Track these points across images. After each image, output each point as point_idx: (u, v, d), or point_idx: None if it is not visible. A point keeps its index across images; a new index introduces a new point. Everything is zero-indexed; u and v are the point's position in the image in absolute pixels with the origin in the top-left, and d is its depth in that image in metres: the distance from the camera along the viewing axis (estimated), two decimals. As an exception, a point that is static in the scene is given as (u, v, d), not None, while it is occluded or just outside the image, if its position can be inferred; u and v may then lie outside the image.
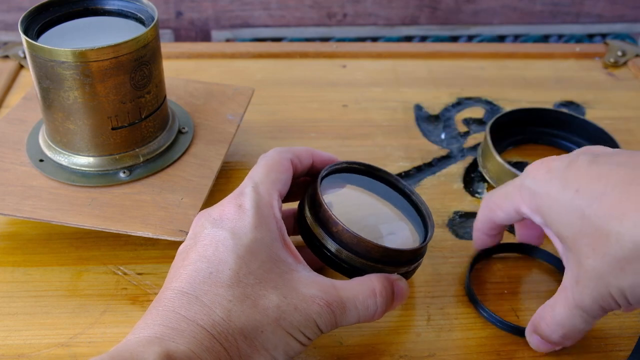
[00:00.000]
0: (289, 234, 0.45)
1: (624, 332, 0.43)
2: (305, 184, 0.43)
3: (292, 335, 0.34)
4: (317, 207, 0.39)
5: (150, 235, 0.43)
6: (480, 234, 0.45)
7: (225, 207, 0.37)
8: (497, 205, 0.41)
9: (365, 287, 0.37)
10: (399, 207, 0.44)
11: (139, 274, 0.45)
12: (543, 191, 0.37)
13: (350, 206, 0.42)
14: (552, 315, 0.38)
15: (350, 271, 0.38)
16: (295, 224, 0.43)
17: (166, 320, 0.33)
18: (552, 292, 0.45)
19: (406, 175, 0.56)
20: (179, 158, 0.49)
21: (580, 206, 0.34)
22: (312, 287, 0.35)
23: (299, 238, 0.45)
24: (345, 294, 0.36)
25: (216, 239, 0.36)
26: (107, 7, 0.48)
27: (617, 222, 0.32)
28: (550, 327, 0.38)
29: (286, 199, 0.43)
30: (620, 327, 0.43)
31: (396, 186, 0.44)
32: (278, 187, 0.39)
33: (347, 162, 0.43)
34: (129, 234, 0.43)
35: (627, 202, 0.32)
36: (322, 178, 0.41)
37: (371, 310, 0.37)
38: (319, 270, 0.38)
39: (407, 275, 0.40)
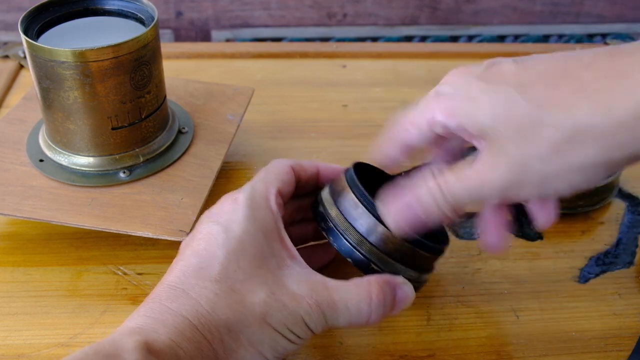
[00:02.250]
0: (308, 241, 0.44)
1: (624, 332, 0.43)
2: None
3: (279, 332, 0.34)
4: (339, 191, 0.39)
5: (150, 235, 0.43)
6: (387, 159, 0.40)
7: (222, 202, 0.38)
8: (410, 123, 0.37)
9: (360, 290, 0.36)
10: None
11: (139, 274, 0.45)
12: (462, 92, 0.34)
13: None
14: (450, 183, 0.34)
15: (360, 259, 0.37)
16: (314, 230, 0.43)
17: (150, 311, 0.33)
18: (551, 293, 0.45)
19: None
20: (179, 158, 0.49)
21: (507, 95, 0.32)
22: (303, 285, 0.35)
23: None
24: (338, 294, 0.35)
25: (209, 233, 0.36)
26: (107, 7, 0.48)
27: (554, 109, 0.31)
28: (447, 196, 0.34)
29: (294, 215, 0.43)
30: (621, 327, 0.43)
31: None
32: (277, 184, 0.38)
33: (375, 166, 0.42)
34: (129, 234, 0.43)
35: (560, 89, 0.31)
36: (353, 168, 0.40)
37: (364, 314, 0.35)
38: (320, 270, 0.38)
39: (414, 284, 0.39)
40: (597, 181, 0.32)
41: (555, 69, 0.32)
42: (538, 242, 0.50)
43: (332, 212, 0.38)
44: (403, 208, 0.35)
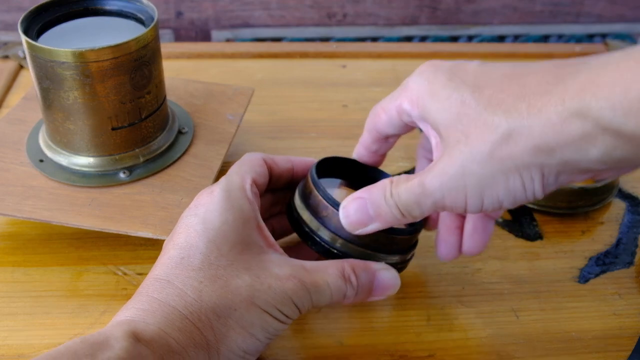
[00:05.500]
0: (289, 233, 0.45)
1: (624, 332, 0.43)
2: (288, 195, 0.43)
3: (268, 313, 0.35)
4: (308, 194, 0.39)
5: (150, 235, 0.43)
6: (361, 147, 0.42)
7: (200, 195, 0.38)
8: (382, 108, 0.40)
9: (335, 268, 0.37)
10: None
11: (139, 274, 0.45)
12: (427, 84, 0.36)
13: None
14: (401, 186, 0.35)
15: (340, 257, 0.38)
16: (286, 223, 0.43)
17: (139, 303, 0.34)
18: (551, 293, 0.45)
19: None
20: (179, 158, 0.49)
21: (462, 94, 0.34)
22: (285, 268, 0.36)
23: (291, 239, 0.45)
24: (317, 275, 0.36)
25: (188, 226, 0.36)
26: (107, 7, 0.48)
27: (495, 109, 0.32)
28: (394, 195, 0.35)
29: (272, 209, 0.44)
30: (621, 327, 0.43)
31: None
32: (252, 175, 0.39)
33: (341, 157, 0.43)
34: (129, 234, 0.43)
35: (506, 92, 0.32)
36: (315, 166, 0.41)
37: (342, 291, 0.37)
38: None
39: (397, 267, 0.40)
40: (536, 194, 0.33)
41: (508, 74, 0.33)
42: (538, 242, 0.50)
43: (305, 216, 0.39)
44: (356, 203, 0.36)
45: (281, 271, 0.36)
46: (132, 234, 0.43)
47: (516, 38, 0.95)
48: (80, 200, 0.45)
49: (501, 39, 0.95)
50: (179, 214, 0.44)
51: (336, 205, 0.38)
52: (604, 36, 0.96)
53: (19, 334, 0.41)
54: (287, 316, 0.35)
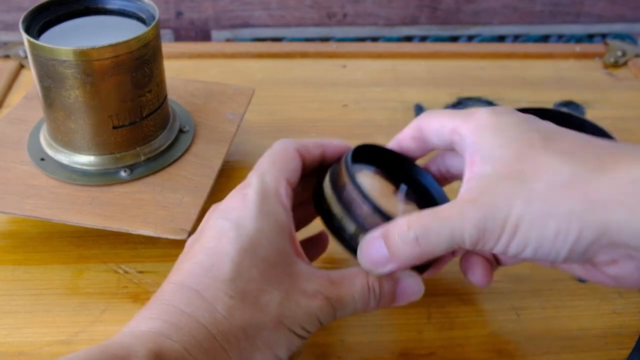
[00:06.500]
0: (309, 222, 0.43)
1: (624, 330, 0.43)
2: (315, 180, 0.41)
3: (294, 332, 0.33)
4: (341, 186, 0.37)
5: (151, 234, 0.43)
6: (398, 140, 0.40)
7: (231, 197, 0.36)
8: (437, 119, 0.38)
9: (361, 278, 0.35)
10: (423, 204, 0.41)
11: (139, 272, 0.46)
12: (495, 119, 0.35)
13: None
14: (427, 217, 0.34)
15: None
16: (304, 214, 0.42)
17: (165, 314, 0.32)
18: (552, 291, 0.45)
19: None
20: (179, 157, 0.49)
21: (532, 138, 0.34)
22: (313, 282, 0.34)
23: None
24: (343, 289, 0.35)
25: (219, 230, 0.34)
26: (108, 6, 0.48)
27: (563, 157, 0.32)
28: (414, 228, 0.33)
29: (298, 197, 0.41)
30: (621, 325, 0.43)
31: (420, 182, 0.42)
32: (285, 175, 0.37)
33: (377, 145, 0.41)
34: (129, 232, 0.43)
35: (577, 147, 0.33)
36: (350, 156, 0.38)
37: (365, 302, 0.36)
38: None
39: (419, 270, 0.38)
40: (561, 254, 0.32)
41: (582, 137, 0.34)
42: (538, 241, 0.50)
43: (336, 210, 0.37)
44: (373, 243, 0.35)
45: (309, 286, 0.34)
46: (133, 232, 0.43)
47: (516, 38, 0.95)
48: (81, 198, 0.45)
49: (501, 39, 0.95)
50: (179, 213, 0.44)
51: (371, 204, 0.35)
52: (604, 36, 0.96)
53: (20, 331, 0.41)
54: (308, 332, 0.34)
